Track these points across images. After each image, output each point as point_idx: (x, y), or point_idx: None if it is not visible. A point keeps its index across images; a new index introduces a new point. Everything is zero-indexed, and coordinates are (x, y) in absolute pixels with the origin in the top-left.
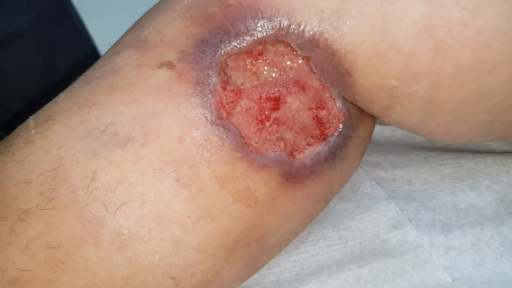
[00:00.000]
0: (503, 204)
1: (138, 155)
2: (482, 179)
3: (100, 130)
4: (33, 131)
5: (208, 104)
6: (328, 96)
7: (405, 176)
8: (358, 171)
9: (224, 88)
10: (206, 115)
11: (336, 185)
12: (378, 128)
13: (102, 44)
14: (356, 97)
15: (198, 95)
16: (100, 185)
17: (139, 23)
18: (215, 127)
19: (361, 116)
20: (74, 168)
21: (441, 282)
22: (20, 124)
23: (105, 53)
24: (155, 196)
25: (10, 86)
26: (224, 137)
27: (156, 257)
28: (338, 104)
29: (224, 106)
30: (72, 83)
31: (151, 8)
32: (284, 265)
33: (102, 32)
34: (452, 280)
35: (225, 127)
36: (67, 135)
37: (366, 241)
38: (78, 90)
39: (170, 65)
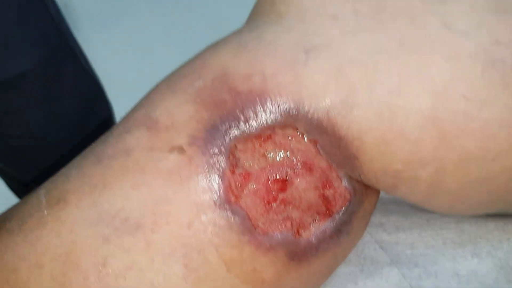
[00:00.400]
0: (503, 272)
1: (148, 241)
2: (483, 245)
3: (111, 216)
4: (46, 212)
5: (217, 189)
6: (335, 175)
7: (408, 239)
8: None
9: (233, 172)
10: (215, 200)
11: (341, 258)
12: None
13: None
14: (362, 176)
15: (208, 181)
16: (110, 271)
17: (149, 100)
18: (224, 211)
19: (366, 191)
20: (85, 253)
21: None
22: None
23: (116, 127)
24: (164, 281)
25: (17, 124)
26: (232, 221)
27: None
28: (344, 183)
29: (232, 190)
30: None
31: (161, 84)
32: None
33: (106, 67)
34: None
35: (233, 211)
36: (79, 218)
37: None
38: (89, 168)
39: (180, 149)
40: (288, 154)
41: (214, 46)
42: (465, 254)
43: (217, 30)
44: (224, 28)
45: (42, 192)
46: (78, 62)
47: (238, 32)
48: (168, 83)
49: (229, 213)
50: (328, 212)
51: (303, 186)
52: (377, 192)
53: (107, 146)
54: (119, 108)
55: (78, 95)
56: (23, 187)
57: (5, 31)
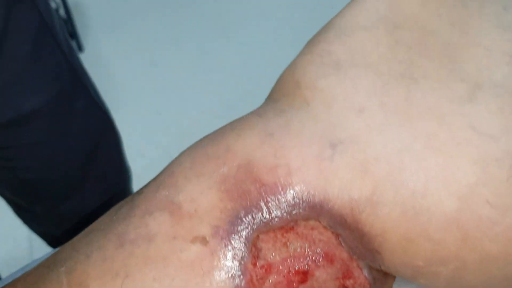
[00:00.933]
0: None
1: None
2: None
3: None
4: None
5: (239, 283)
6: (355, 265)
7: None
8: None
9: (255, 264)
10: None
11: None
12: None
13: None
14: (382, 267)
15: (230, 274)
16: None
17: (171, 180)
18: None
19: (385, 279)
20: None
21: None
22: None
23: (137, 205)
24: None
25: (26, 158)
26: None
27: None
28: (365, 272)
29: (254, 283)
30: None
31: (184, 162)
32: None
33: (116, 67)
34: None
35: None
36: None
37: None
38: (111, 252)
39: (203, 240)
40: (310, 245)
41: (238, 128)
42: None
43: (225, 34)
44: (231, 31)
45: (62, 270)
46: (89, 95)
47: (262, 114)
48: (192, 164)
49: None
50: None
51: (324, 278)
52: (394, 276)
53: (129, 227)
54: (127, 110)
55: (89, 128)
56: (31, 217)
57: (19, 68)
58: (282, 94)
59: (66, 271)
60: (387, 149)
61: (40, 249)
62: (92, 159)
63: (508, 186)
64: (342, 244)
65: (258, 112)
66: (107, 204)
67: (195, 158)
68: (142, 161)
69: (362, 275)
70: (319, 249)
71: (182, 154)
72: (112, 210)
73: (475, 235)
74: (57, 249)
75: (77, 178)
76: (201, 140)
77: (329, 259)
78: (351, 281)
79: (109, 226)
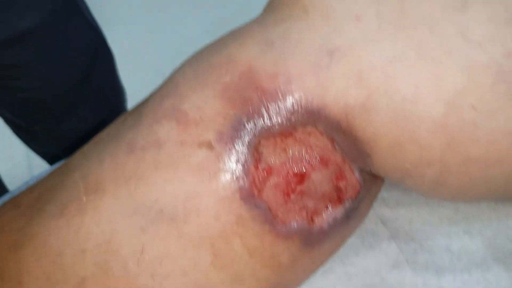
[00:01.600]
0: (490, 250)
1: (180, 231)
2: (475, 224)
3: (147, 208)
4: (85, 199)
5: (242, 184)
6: (348, 168)
7: (407, 215)
8: None
9: (257, 167)
10: (240, 194)
11: (348, 237)
12: None
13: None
14: (372, 169)
15: (234, 176)
16: (147, 259)
17: (177, 90)
18: (248, 205)
19: (375, 180)
20: (124, 242)
21: None
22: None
23: (145, 115)
24: (195, 267)
25: (23, 78)
26: (255, 213)
27: None
28: (356, 174)
29: (256, 185)
30: (112, 128)
31: (188, 72)
32: None
33: (111, 22)
34: None
35: (256, 204)
36: (117, 209)
37: (367, 278)
38: (123, 158)
39: (209, 145)
40: (307, 150)
41: (240, 38)
42: (459, 231)
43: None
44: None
45: (77, 176)
46: (83, 15)
47: (262, 23)
48: (196, 74)
49: (252, 205)
50: (339, 200)
51: (319, 179)
52: (383, 179)
53: (138, 135)
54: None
55: (83, 48)
56: (31, 137)
57: None
58: (282, 3)
59: (81, 177)
60: (381, 58)
61: (40, 167)
62: (87, 79)
63: (493, 92)
64: (337, 148)
65: (258, 21)
66: (104, 123)
67: (198, 68)
68: (134, 81)
69: (353, 177)
70: (315, 153)
71: (184, 64)
72: (119, 120)
73: (459, 138)
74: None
75: (73, 98)
76: (202, 51)
77: (324, 162)
78: (344, 182)
79: (118, 135)
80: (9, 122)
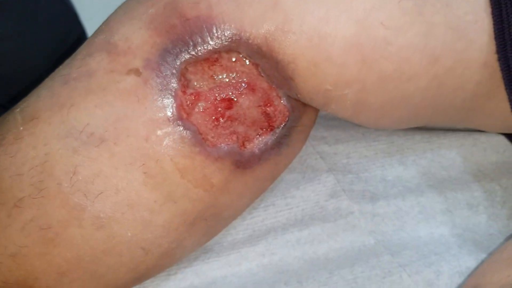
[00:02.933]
0: (425, 177)
1: (111, 152)
2: (409, 155)
3: (79, 131)
4: (21, 128)
5: (170, 107)
6: (275, 94)
7: (345, 150)
8: (306, 145)
9: (184, 92)
10: (169, 117)
11: (282, 166)
12: None
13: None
14: (298, 96)
15: (162, 100)
16: (80, 178)
17: (108, 26)
18: (177, 127)
19: (304, 108)
20: (58, 163)
21: (366, 244)
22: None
23: (79, 52)
24: (127, 186)
25: None
26: (185, 135)
27: (129, 234)
28: (283, 101)
29: (184, 108)
30: (53, 72)
31: (119, 11)
32: (239, 227)
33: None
34: (375, 242)
35: (185, 127)
36: (51, 133)
37: (307, 208)
38: (57, 89)
39: (137, 72)
40: (233, 76)
41: None
42: (393, 163)
43: None
44: None
45: (17, 111)
46: None
47: None
48: (125, 10)
49: (181, 128)
50: (269, 127)
51: (247, 104)
52: (316, 110)
53: (72, 69)
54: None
55: (53, 22)
56: (1, 114)
57: None
58: None
59: (20, 111)
60: None
61: None
62: (59, 52)
63: (399, 8)
64: (262, 74)
65: None
66: None
67: (128, 6)
68: None
69: (281, 103)
70: (241, 80)
71: (118, 6)
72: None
73: (372, 56)
74: None
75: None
76: None
77: (251, 88)
78: (272, 108)
79: (55, 72)
80: None
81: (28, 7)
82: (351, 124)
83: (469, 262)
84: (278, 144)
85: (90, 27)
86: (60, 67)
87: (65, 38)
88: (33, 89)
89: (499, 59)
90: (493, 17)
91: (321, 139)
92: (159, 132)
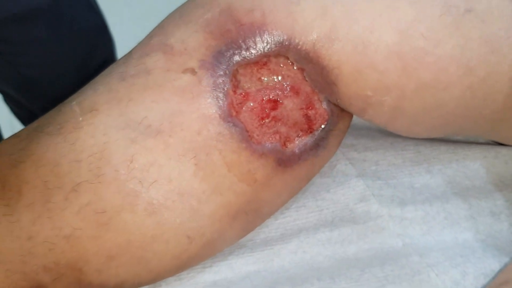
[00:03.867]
0: (450, 186)
1: (166, 143)
2: (436, 164)
3: (137, 122)
4: (81, 118)
5: (222, 105)
6: (317, 99)
7: (374, 158)
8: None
9: (235, 92)
10: (220, 114)
11: (318, 167)
12: None
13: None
14: (338, 101)
15: (214, 98)
16: (137, 166)
17: (163, 30)
18: (226, 123)
19: (341, 114)
20: (116, 151)
21: (394, 246)
22: None
23: (134, 52)
24: (179, 175)
25: (29, 54)
26: (233, 131)
27: (178, 221)
28: (324, 105)
29: (234, 107)
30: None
31: (173, 15)
32: (272, 226)
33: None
34: (403, 244)
35: (234, 124)
36: (110, 124)
37: (337, 210)
38: (115, 85)
39: (192, 71)
40: (280, 79)
41: None
42: (420, 171)
43: None
44: None
45: (74, 104)
46: (87, 0)
47: None
48: (181, 14)
49: (230, 125)
50: (309, 129)
51: (290, 106)
52: (350, 116)
53: (129, 67)
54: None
55: (86, 31)
56: (30, 115)
57: None
58: None
59: (77, 103)
60: None
61: None
62: (88, 61)
63: (439, 22)
64: (307, 79)
65: None
66: None
67: (183, 10)
68: None
69: (322, 107)
70: (287, 83)
71: (171, 12)
72: (110, 66)
73: (412, 64)
74: None
75: (73, 79)
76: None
77: (295, 91)
78: (313, 111)
79: (110, 70)
80: (10, 100)
81: (65, 14)
82: (379, 134)
83: (493, 265)
84: (316, 146)
85: (119, 40)
86: (114, 65)
87: (95, 47)
88: (60, 93)
89: None
90: None
91: (350, 147)
92: (210, 127)
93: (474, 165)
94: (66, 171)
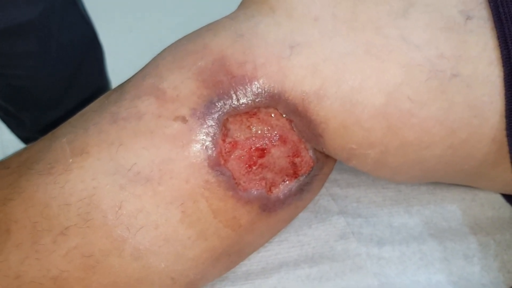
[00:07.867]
0: (427, 226)
1: (155, 191)
2: (415, 204)
3: (126, 169)
4: (71, 160)
5: (211, 154)
6: (303, 147)
7: (355, 194)
8: None
9: (224, 140)
10: (208, 162)
11: (301, 209)
12: None
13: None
14: (324, 150)
15: (204, 147)
16: (125, 213)
17: (157, 71)
18: (214, 171)
19: (326, 160)
20: (105, 197)
21: (370, 285)
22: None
23: (127, 91)
24: (166, 222)
25: (18, 66)
26: (220, 179)
27: (163, 265)
28: (310, 153)
29: (222, 155)
30: (96, 103)
31: (167, 57)
32: (254, 259)
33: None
34: (379, 284)
35: (221, 172)
36: (100, 169)
37: (318, 246)
38: (106, 126)
39: (183, 119)
40: (268, 129)
41: (214, 29)
42: (399, 210)
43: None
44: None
45: (64, 141)
46: (78, 10)
47: (235, 18)
48: (174, 58)
49: (218, 173)
50: (294, 175)
51: (277, 154)
52: (335, 160)
53: (121, 108)
54: (100, 25)
55: (77, 41)
56: (18, 123)
57: None
58: (252, 2)
59: (68, 142)
60: (334, 53)
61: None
62: (78, 71)
63: (426, 86)
64: (294, 129)
65: (231, 16)
66: None
67: (176, 53)
68: (121, 74)
69: (308, 154)
70: (275, 132)
71: (164, 50)
72: (103, 97)
73: (397, 124)
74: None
75: (62, 89)
76: (180, 40)
77: (283, 140)
78: (299, 159)
79: (102, 108)
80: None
81: (54, 27)
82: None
83: None
84: (301, 190)
85: (108, 47)
86: (106, 102)
87: (85, 57)
88: (49, 103)
89: (508, 136)
90: (506, 100)
91: (333, 182)
92: (198, 176)
93: (451, 207)
94: (56, 213)
